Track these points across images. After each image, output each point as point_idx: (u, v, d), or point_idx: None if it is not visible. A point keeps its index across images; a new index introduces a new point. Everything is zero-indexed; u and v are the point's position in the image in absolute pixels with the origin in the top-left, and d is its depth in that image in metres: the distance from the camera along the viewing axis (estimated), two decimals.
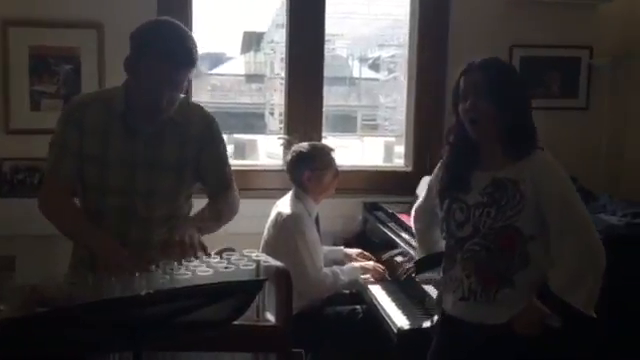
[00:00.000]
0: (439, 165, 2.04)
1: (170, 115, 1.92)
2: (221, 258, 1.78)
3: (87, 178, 1.95)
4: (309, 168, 2.85)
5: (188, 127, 1.97)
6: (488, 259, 1.82)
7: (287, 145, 3.36)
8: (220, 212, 2.02)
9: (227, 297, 1.38)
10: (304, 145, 2.95)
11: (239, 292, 1.40)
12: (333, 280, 2.79)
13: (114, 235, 1.90)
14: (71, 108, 1.99)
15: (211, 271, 1.69)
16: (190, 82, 1.94)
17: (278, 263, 1.79)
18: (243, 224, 2.35)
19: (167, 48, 1.82)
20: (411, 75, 3.63)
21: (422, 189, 3.06)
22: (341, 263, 3.06)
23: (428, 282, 2.22)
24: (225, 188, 2.07)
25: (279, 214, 2.81)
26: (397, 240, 2.87)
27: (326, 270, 2.80)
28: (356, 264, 2.95)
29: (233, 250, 2.81)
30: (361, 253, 3.10)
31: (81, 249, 1.99)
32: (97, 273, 1.68)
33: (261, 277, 1.66)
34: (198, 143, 1.99)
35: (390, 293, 2.70)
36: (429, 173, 3.37)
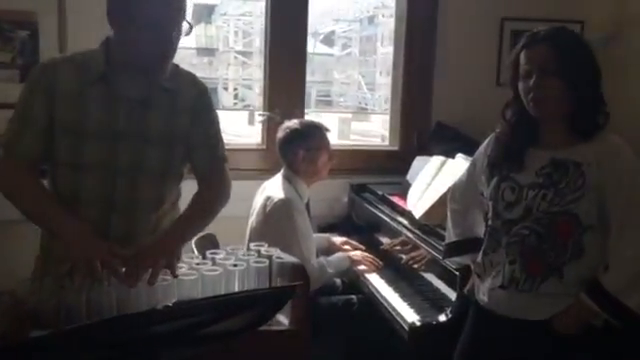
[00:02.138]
0: (487, 140, 1.85)
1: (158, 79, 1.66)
2: (227, 253, 1.57)
3: (59, 153, 1.66)
4: (304, 147, 2.62)
5: (178, 95, 1.71)
6: (537, 246, 1.65)
7: (268, 123, 3.16)
8: (213, 206, 1.75)
9: (252, 308, 1.17)
10: (298, 122, 2.72)
11: (266, 302, 1.19)
12: (319, 273, 2.58)
13: (92, 227, 1.61)
14: (38, 72, 1.70)
15: (219, 270, 1.47)
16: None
17: (292, 259, 1.59)
18: None
19: None
20: (397, 50, 3.43)
21: (415, 172, 2.89)
22: (326, 251, 2.86)
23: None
24: (218, 169, 1.81)
25: (269, 198, 2.58)
26: (392, 224, 2.69)
27: (313, 261, 2.60)
28: (344, 254, 2.75)
29: (214, 236, 2.62)
30: (346, 242, 2.90)
31: (51, 238, 1.71)
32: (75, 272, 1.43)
33: (293, 282, 1.44)
34: (189, 115, 1.73)
35: (390, 282, 2.53)
36: (418, 152, 3.26)
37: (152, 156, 1.68)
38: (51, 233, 1.66)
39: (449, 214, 1.95)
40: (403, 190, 2.89)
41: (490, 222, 1.76)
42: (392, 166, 3.30)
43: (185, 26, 1.61)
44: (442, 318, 2.08)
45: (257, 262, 1.52)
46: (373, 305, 2.48)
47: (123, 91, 1.65)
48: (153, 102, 1.67)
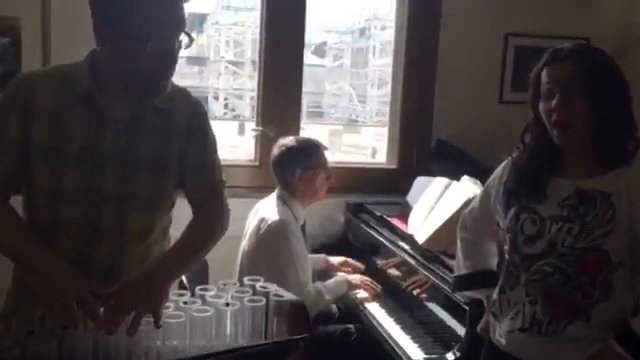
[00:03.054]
0: (503, 165, 1.70)
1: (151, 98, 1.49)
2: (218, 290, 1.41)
3: (36, 179, 1.48)
4: (301, 166, 2.47)
5: (172, 115, 1.54)
6: (562, 285, 1.51)
7: (261, 138, 3.03)
8: (208, 238, 1.58)
9: None
10: (294, 139, 2.57)
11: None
12: (315, 300, 2.42)
13: (72, 259, 1.44)
14: (15, 87, 1.51)
15: (210, 311, 1.31)
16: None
17: (291, 296, 1.43)
18: None
19: None
20: (397, 64, 3.30)
21: (416, 193, 2.75)
22: (323, 273, 2.71)
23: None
24: (215, 196, 1.64)
25: (263, 220, 2.43)
26: (392, 248, 2.55)
27: (309, 287, 2.45)
28: (342, 278, 2.61)
29: (204, 260, 2.46)
30: (345, 262, 2.76)
31: (23, 272, 1.53)
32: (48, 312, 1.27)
33: (291, 322, 1.29)
34: (183, 136, 1.56)
35: (390, 312, 2.38)
36: (417, 172, 3.12)
37: (141, 183, 1.51)
38: (23, 267, 1.48)
39: (459, 244, 1.81)
40: (403, 211, 2.75)
41: (507, 256, 1.61)
42: (390, 185, 3.17)
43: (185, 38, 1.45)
44: (450, 357, 1.92)
45: (252, 301, 1.36)
46: (372, 336, 2.33)
47: (110, 111, 1.47)
48: (143, 123, 1.50)
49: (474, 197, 2.26)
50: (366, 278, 2.61)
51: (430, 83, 3.22)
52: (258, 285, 1.44)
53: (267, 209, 2.48)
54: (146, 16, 1.37)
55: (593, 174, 1.52)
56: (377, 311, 2.41)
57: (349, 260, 2.77)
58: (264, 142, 3.08)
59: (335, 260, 2.78)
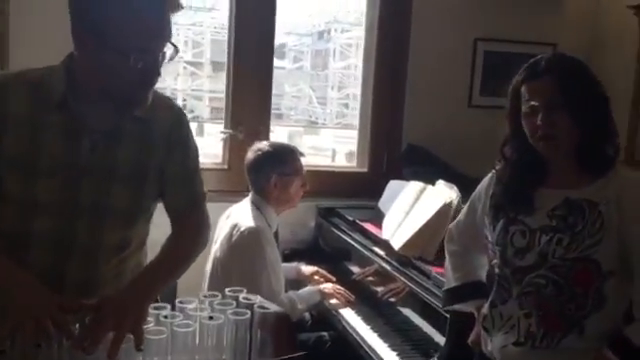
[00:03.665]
0: (488, 178, 1.68)
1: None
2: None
3: (7, 189, 1.39)
4: (277, 172, 2.41)
5: (152, 124, 1.46)
6: (556, 297, 1.49)
7: (230, 141, 2.96)
8: (188, 252, 1.52)
9: None
10: (269, 144, 2.51)
11: None
12: (289, 310, 2.34)
13: (44, 273, 1.36)
14: None
15: (193, 326, 1.25)
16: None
17: (276, 308, 1.38)
18: None
19: None
20: (368, 67, 3.28)
21: (389, 197, 2.73)
22: (295, 282, 2.66)
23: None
24: (196, 208, 1.57)
25: (235, 226, 2.36)
26: (366, 253, 2.52)
27: (282, 296, 2.39)
28: (314, 287, 2.56)
29: None
30: (317, 272, 2.71)
31: None
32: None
33: (276, 334, 1.23)
34: (165, 145, 1.48)
35: (366, 319, 2.34)
36: (389, 176, 3.10)
37: (119, 195, 1.43)
38: None
39: (447, 257, 1.78)
40: (376, 216, 2.73)
41: (497, 270, 1.59)
42: (360, 189, 3.15)
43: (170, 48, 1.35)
44: None
45: (237, 314, 1.30)
46: (348, 344, 2.29)
47: (87, 120, 1.39)
48: (122, 133, 1.42)
49: (450, 202, 2.27)
50: (339, 287, 2.57)
51: (400, 87, 3.21)
52: (241, 297, 1.39)
53: (240, 215, 2.41)
54: (129, 24, 1.28)
55: (580, 183, 1.52)
56: (353, 318, 2.37)
57: (321, 270, 2.72)
58: (233, 145, 3.02)
59: (307, 270, 2.73)
